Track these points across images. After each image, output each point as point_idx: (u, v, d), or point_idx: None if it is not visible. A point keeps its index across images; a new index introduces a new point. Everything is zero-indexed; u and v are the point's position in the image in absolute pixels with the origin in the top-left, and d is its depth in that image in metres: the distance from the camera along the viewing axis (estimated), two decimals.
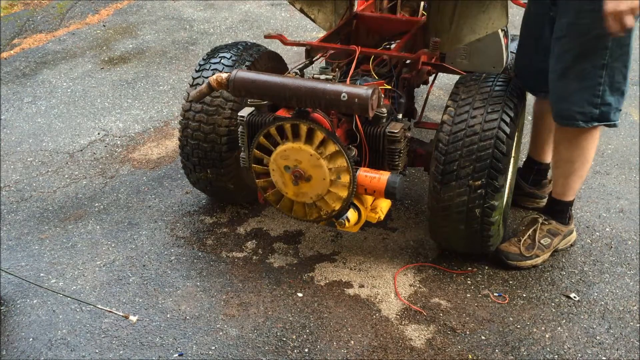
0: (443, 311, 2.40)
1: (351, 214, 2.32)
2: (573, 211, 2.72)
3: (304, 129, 2.20)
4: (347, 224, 2.32)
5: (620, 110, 2.35)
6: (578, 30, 2.23)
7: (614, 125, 2.36)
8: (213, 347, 2.25)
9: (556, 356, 2.21)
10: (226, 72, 2.33)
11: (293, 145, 2.22)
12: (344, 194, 2.26)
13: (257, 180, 2.40)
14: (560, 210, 2.64)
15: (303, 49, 2.81)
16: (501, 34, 3.09)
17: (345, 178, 2.24)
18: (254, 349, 2.24)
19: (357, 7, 3.17)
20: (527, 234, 2.61)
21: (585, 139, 2.40)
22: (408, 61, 2.81)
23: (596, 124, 2.33)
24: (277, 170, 2.30)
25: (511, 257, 2.57)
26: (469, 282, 2.54)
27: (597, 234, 2.81)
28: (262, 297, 2.47)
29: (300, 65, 2.68)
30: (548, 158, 2.89)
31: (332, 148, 2.20)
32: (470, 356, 2.21)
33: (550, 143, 2.81)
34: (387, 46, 2.96)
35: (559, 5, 2.30)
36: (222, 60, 2.67)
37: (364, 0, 3.27)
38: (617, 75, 2.26)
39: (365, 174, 2.26)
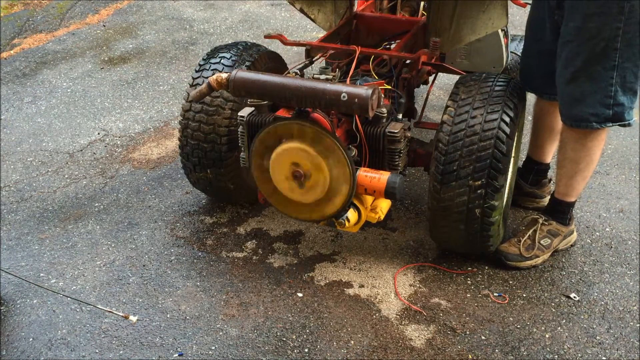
0: (443, 311, 2.40)
1: (351, 214, 2.31)
2: (573, 212, 2.72)
3: (311, 131, 2.19)
4: (347, 224, 2.32)
5: (633, 108, 2.33)
6: (586, 34, 2.22)
7: (629, 125, 2.35)
8: (213, 347, 2.25)
9: (556, 356, 2.21)
10: (226, 72, 2.33)
11: (298, 145, 2.22)
12: (341, 200, 2.26)
13: (254, 173, 2.39)
14: (561, 211, 2.63)
15: (303, 49, 2.81)
16: (501, 34, 3.09)
17: (345, 187, 2.23)
18: (254, 349, 2.24)
19: (357, 7, 3.17)
20: (527, 234, 2.61)
21: (593, 139, 2.39)
22: (408, 61, 2.81)
23: (610, 124, 2.33)
24: (277, 167, 2.29)
25: (510, 257, 2.57)
26: (469, 282, 2.54)
27: (597, 234, 2.81)
28: (262, 297, 2.47)
29: (300, 65, 2.68)
30: (548, 158, 2.89)
31: (337, 154, 2.20)
32: (470, 356, 2.21)
33: (550, 143, 2.82)
34: (387, 46, 2.96)
35: (565, 9, 2.29)
36: (222, 60, 2.67)
37: (364, 0, 3.27)
38: (628, 76, 2.25)
39: (365, 174, 2.26)
